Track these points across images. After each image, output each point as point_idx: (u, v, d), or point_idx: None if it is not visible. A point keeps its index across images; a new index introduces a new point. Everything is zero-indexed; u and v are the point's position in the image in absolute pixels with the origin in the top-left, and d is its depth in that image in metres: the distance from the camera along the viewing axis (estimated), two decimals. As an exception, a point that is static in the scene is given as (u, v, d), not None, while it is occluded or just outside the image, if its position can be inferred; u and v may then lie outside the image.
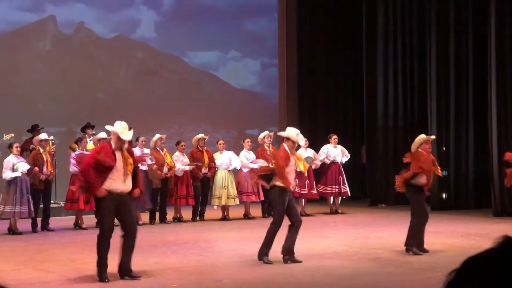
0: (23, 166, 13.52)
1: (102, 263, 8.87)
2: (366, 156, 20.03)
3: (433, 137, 11.46)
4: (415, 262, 10.06)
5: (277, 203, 10.34)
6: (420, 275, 9.12)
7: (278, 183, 10.19)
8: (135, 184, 9.13)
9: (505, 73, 16.35)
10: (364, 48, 19.86)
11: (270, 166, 10.40)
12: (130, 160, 9.02)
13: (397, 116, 19.54)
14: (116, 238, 9.03)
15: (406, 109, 19.61)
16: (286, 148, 10.33)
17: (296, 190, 13.81)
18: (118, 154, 8.94)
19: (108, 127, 9.26)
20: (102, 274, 8.82)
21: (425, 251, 10.75)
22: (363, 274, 9.31)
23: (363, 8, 19.85)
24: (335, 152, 17.05)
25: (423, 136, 11.11)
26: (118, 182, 8.89)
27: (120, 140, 9.00)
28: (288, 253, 10.17)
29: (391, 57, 19.52)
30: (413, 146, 11.00)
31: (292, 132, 10.44)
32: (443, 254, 10.60)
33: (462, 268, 1.30)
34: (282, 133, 10.66)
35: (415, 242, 10.77)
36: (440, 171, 11.18)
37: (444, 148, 17.90)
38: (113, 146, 9.00)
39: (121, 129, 9.04)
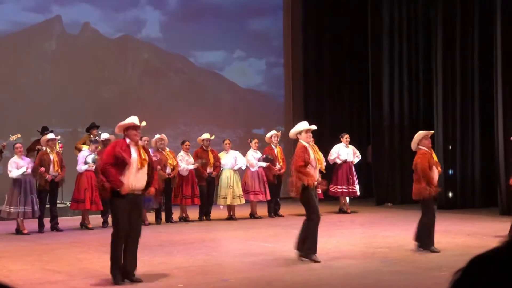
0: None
1: (117, 263, 8.79)
2: (372, 155, 20.01)
3: (431, 132, 11.35)
4: (422, 261, 10.05)
5: (308, 200, 10.20)
6: (426, 274, 9.11)
7: (302, 181, 10.08)
8: (150, 182, 9.03)
9: (510, 73, 16.31)
10: (369, 47, 19.84)
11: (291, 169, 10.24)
12: (145, 156, 8.96)
13: (403, 115, 19.52)
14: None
15: (412, 108, 19.60)
16: (304, 143, 10.26)
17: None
18: (133, 149, 8.89)
19: (120, 125, 9.14)
20: (116, 274, 8.75)
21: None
22: (369, 273, 9.30)
23: (369, 7, 19.83)
24: (346, 152, 17.02)
25: (421, 132, 11.05)
26: (132, 177, 8.81)
27: (134, 128, 8.93)
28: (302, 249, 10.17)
29: (397, 55, 19.50)
30: (413, 144, 10.98)
31: (300, 124, 10.44)
32: (449, 253, 10.58)
33: (468, 267, 1.29)
34: (292, 132, 10.56)
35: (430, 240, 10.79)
36: (440, 168, 11.12)
37: (450, 147, 17.88)
38: (127, 141, 8.95)
39: (132, 118, 9.06)
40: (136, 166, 8.84)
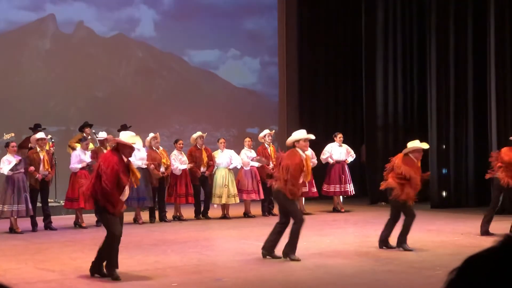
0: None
1: (113, 265, 8.97)
2: (366, 154, 20.03)
3: (426, 146, 11.44)
4: (416, 261, 10.06)
5: (289, 205, 10.30)
6: (420, 274, 9.12)
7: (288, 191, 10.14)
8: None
9: (505, 72, 16.37)
10: (363, 46, 19.86)
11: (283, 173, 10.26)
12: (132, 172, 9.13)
13: (397, 115, 19.55)
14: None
15: (406, 107, 19.64)
16: (300, 152, 10.27)
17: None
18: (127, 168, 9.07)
19: (119, 138, 9.24)
20: (113, 273, 8.93)
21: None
22: (363, 272, 9.31)
23: (363, 7, 19.84)
24: (339, 151, 17.03)
25: (418, 144, 11.07)
26: (123, 196, 9.02)
27: (131, 149, 9.06)
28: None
29: (391, 55, 19.53)
30: (406, 150, 11.04)
31: (298, 133, 10.47)
32: (443, 253, 10.60)
33: (463, 267, 1.29)
34: (290, 140, 10.56)
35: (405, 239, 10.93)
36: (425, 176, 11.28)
37: (444, 147, 17.92)
38: (124, 159, 8.99)
39: (131, 138, 9.10)
40: (128, 185, 9.05)
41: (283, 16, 21.94)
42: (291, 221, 10.33)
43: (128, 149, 9.05)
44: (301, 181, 10.32)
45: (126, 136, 9.17)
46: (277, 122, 21.51)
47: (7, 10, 18.36)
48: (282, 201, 10.40)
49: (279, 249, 10.36)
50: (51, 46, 19.22)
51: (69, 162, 14.67)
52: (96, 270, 9.11)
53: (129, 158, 9.23)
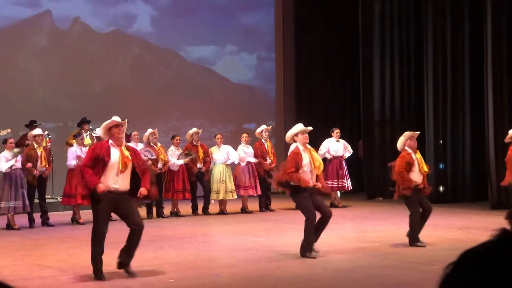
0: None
1: (96, 261, 8.80)
2: (363, 150, 20.04)
3: (417, 133, 11.39)
4: (413, 256, 10.07)
5: (300, 202, 10.23)
6: (417, 269, 9.13)
7: (294, 183, 10.06)
8: (138, 183, 8.90)
9: (502, 67, 16.37)
10: (360, 41, 19.85)
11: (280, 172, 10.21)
12: (128, 158, 8.81)
13: (394, 110, 19.55)
14: (115, 233, 9.02)
15: (403, 103, 19.64)
16: (299, 145, 10.23)
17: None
18: (114, 150, 8.75)
19: (103, 126, 9.06)
20: (97, 271, 8.75)
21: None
22: (360, 267, 9.32)
23: (360, 2, 19.82)
24: (336, 147, 17.03)
25: (407, 133, 11.08)
26: (111, 179, 8.70)
27: (117, 126, 8.84)
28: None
29: (388, 51, 19.52)
30: (399, 145, 11.03)
31: (295, 126, 10.41)
32: (440, 247, 10.61)
33: (459, 261, 1.29)
34: (288, 135, 10.49)
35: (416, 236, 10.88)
36: (426, 168, 11.17)
37: (441, 142, 17.93)
38: (109, 142, 8.87)
39: (114, 118, 9.00)
40: (118, 168, 8.72)
41: (279, 12, 21.93)
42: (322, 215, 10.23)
43: (115, 128, 8.84)
44: (304, 172, 10.12)
45: (106, 122, 9.06)
46: (274, 117, 21.51)
47: (3, 6, 18.33)
48: (292, 198, 10.37)
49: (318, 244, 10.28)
50: (47, 42, 19.20)
51: (66, 158, 14.66)
52: (122, 265, 8.93)
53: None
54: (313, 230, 10.08)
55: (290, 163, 10.06)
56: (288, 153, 10.49)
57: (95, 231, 8.85)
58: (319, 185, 10.19)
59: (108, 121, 8.96)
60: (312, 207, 10.10)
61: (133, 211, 9.02)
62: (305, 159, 10.09)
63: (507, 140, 12.90)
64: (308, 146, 10.35)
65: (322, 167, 10.41)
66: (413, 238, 10.88)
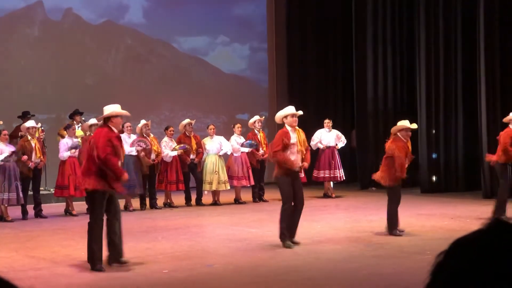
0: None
1: (97, 253, 8.83)
2: (357, 140, 20.05)
3: (415, 126, 11.46)
4: (406, 245, 10.11)
5: (282, 186, 10.27)
6: (410, 258, 9.16)
7: (280, 165, 10.12)
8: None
9: (494, 56, 16.38)
10: (353, 32, 19.84)
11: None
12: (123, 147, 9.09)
13: (387, 99, 19.56)
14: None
15: (396, 92, 19.66)
16: (287, 127, 10.26)
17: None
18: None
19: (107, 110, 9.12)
20: (97, 263, 8.79)
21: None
22: (354, 257, 9.35)
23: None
24: (328, 137, 17.04)
25: (405, 123, 11.12)
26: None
27: (121, 120, 9.04)
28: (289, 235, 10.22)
29: (381, 40, 19.51)
30: (393, 130, 11.09)
31: (286, 108, 10.45)
32: (433, 236, 10.65)
33: (450, 249, 1.30)
34: (278, 115, 10.51)
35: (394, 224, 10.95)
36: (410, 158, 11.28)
37: (433, 131, 17.95)
38: (115, 131, 8.95)
39: (118, 108, 9.09)
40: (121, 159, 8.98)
41: (272, 2, 21.90)
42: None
43: (120, 118, 9.06)
44: (292, 152, 10.18)
45: (114, 108, 9.11)
46: (267, 108, 21.50)
47: (-6, -3, 18.24)
48: (275, 179, 10.41)
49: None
50: (39, 33, 19.13)
51: (58, 150, 14.62)
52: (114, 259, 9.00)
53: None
54: (288, 216, 10.11)
55: (276, 141, 10.13)
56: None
57: (94, 222, 8.90)
58: (305, 164, 10.29)
59: (117, 109, 9.01)
60: (291, 193, 10.16)
61: (116, 203, 9.19)
62: (293, 139, 10.18)
63: (506, 120, 12.87)
64: (297, 128, 10.40)
65: (306, 145, 10.52)
66: (392, 226, 10.97)
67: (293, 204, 10.26)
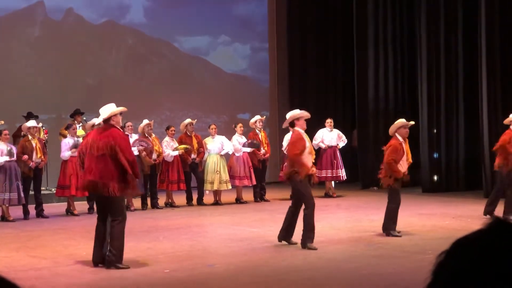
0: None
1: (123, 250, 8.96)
2: (358, 139, 20.04)
3: (412, 123, 11.44)
4: (407, 245, 10.10)
5: (302, 189, 10.18)
6: (411, 258, 9.16)
7: (295, 167, 10.07)
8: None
9: (495, 56, 16.37)
10: (354, 31, 19.82)
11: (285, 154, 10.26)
12: None
13: (388, 99, 19.55)
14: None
15: (397, 92, 19.65)
16: (300, 130, 10.24)
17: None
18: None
19: (107, 111, 9.13)
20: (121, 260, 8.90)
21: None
22: (354, 257, 9.35)
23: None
24: (330, 136, 17.04)
25: (401, 120, 11.12)
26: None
27: (120, 117, 9.16)
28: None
29: (382, 39, 19.50)
30: (391, 129, 11.08)
31: (300, 111, 10.43)
32: (434, 236, 10.65)
33: (451, 249, 1.30)
34: (292, 114, 10.45)
35: (392, 225, 10.92)
36: (410, 159, 11.25)
37: (435, 131, 17.94)
38: (126, 132, 9.10)
39: (114, 106, 9.15)
40: None
41: (273, 2, 21.88)
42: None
43: (119, 116, 9.12)
44: (306, 157, 10.15)
45: (111, 107, 9.12)
46: (268, 107, 21.50)
47: (-5, -3, 18.23)
48: (293, 183, 10.35)
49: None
50: (40, 33, 19.13)
51: (59, 150, 14.62)
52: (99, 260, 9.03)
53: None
54: (313, 220, 10.06)
55: (296, 145, 10.07)
56: (283, 142, 10.53)
57: (123, 219, 8.99)
58: (314, 170, 10.33)
59: (117, 108, 9.04)
60: (312, 195, 10.16)
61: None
62: (307, 143, 10.16)
63: (506, 122, 12.86)
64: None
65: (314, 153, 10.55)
66: (388, 227, 10.93)
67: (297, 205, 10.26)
